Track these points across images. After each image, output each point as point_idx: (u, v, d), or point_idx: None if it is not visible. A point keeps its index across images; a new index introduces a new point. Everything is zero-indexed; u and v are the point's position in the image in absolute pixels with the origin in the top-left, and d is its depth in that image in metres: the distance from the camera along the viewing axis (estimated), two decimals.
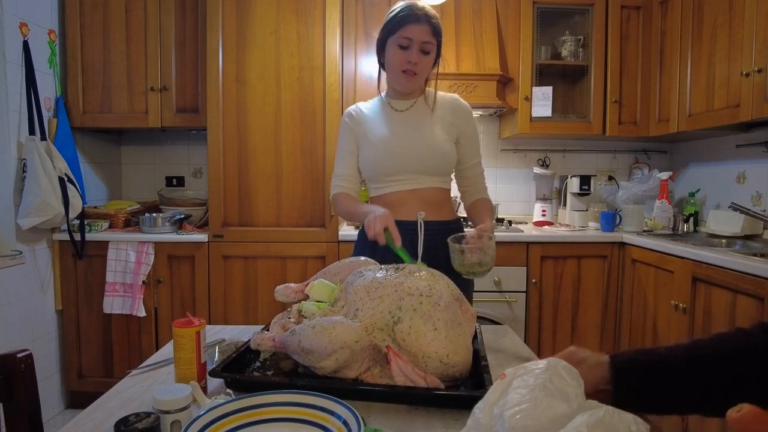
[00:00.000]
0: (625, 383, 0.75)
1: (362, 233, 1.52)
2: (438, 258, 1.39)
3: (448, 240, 1.27)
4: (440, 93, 1.56)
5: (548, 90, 2.80)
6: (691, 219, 2.75)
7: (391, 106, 1.54)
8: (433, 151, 1.48)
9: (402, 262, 1.16)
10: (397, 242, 1.22)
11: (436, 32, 1.42)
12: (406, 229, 1.38)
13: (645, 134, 2.85)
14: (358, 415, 0.69)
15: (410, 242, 1.36)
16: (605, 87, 2.83)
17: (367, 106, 1.58)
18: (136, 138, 3.13)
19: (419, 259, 1.21)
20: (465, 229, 1.44)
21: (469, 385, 0.91)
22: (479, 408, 0.65)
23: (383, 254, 1.29)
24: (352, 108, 1.60)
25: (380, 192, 1.53)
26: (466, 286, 1.40)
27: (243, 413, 0.73)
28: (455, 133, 1.53)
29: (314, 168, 2.52)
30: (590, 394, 0.66)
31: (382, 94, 1.59)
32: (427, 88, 1.56)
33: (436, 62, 1.49)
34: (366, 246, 1.46)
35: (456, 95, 1.58)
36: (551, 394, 0.62)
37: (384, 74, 1.55)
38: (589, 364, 0.77)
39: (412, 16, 1.39)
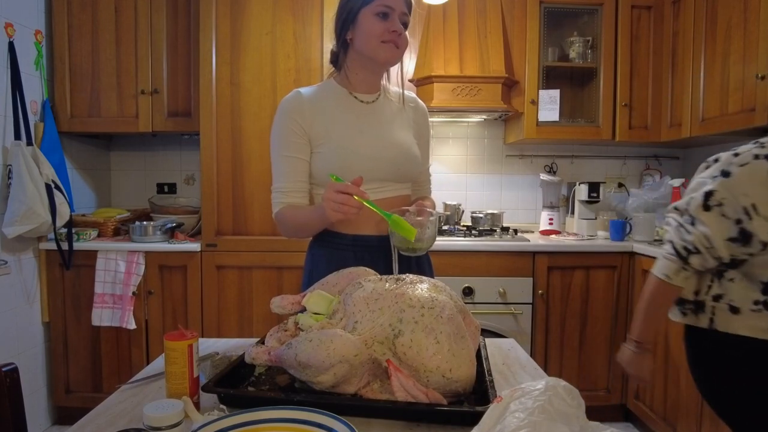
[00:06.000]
0: None
1: (319, 248, 1.37)
2: (410, 266, 1.32)
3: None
4: (396, 89, 1.43)
5: (555, 93, 2.76)
6: None
7: (355, 97, 1.35)
8: (407, 154, 1.35)
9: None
10: (366, 195, 1.10)
11: (410, 8, 1.31)
12: (371, 245, 1.29)
13: (656, 139, 2.80)
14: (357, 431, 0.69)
15: (371, 260, 1.27)
16: (615, 90, 2.79)
17: (316, 95, 1.33)
18: (125, 143, 3.09)
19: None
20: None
21: (472, 400, 0.90)
22: None
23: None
24: (294, 98, 1.32)
25: None
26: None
27: (237, 430, 0.73)
28: (416, 135, 1.43)
29: None
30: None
31: (335, 81, 1.38)
32: (383, 83, 1.40)
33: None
34: (323, 261, 1.32)
35: (413, 93, 1.46)
36: (551, 417, 0.61)
37: (346, 59, 1.35)
38: None
39: None
